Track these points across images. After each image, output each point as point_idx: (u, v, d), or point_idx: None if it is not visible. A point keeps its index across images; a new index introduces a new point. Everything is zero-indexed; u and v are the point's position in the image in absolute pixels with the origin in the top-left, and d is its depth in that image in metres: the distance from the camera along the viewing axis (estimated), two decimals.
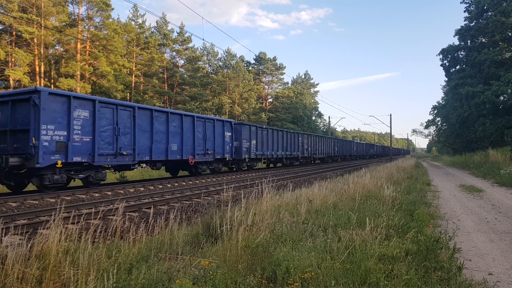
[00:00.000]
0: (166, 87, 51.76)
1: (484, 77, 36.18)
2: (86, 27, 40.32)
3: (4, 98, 12.19)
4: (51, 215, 5.41)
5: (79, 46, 38.05)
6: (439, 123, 60.24)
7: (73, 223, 6.53)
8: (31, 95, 11.37)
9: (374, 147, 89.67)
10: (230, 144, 22.24)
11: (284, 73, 76.33)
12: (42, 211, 8.77)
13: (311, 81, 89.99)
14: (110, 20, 41.35)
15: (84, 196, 11.77)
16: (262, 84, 73.74)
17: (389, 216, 6.53)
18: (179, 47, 55.08)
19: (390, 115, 54.08)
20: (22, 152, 11.42)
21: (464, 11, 41.98)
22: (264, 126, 28.51)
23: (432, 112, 57.37)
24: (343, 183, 12.32)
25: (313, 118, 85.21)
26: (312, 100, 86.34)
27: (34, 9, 34.94)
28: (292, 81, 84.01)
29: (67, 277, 3.63)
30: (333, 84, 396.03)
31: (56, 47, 40.24)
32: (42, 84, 35.26)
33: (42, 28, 34.03)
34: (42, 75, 36.42)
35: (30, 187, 13.07)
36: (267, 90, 75.91)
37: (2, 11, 32.97)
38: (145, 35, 50.90)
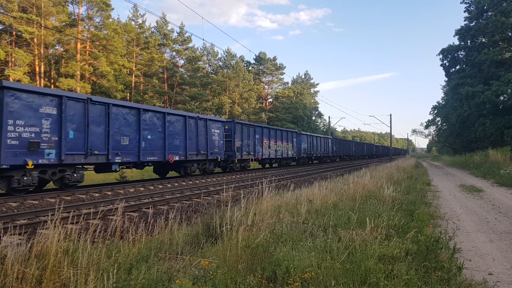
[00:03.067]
0: (166, 87, 51.75)
1: (484, 77, 36.18)
2: (86, 27, 40.32)
3: None
4: (51, 215, 5.40)
5: (79, 46, 38.05)
6: (439, 123, 60.23)
7: (72, 223, 6.52)
8: None
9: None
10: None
11: (284, 73, 76.44)
12: (42, 211, 8.77)
13: (311, 81, 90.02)
14: (110, 20, 41.37)
15: (84, 196, 11.77)
16: (262, 84, 73.73)
17: (389, 216, 6.52)
18: (179, 47, 55.08)
19: (390, 115, 54.20)
20: None
21: (464, 11, 42.02)
22: (146, 107, 16.28)
23: (432, 112, 57.43)
24: (343, 183, 12.30)
25: (313, 118, 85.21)
26: (312, 100, 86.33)
27: (34, 9, 34.94)
28: (292, 81, 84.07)
29: (66, 277, 3.62)
30: (333, 84, 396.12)
31: (56, 47, 40.28)
32: (42, 84, 35.27)
33: (42, 28, 34.03)
34: (42, 75, 36.42)
35: None
36: (267, 90, 75.91)
37: (2, 11, 32.97)
38: (145, 35, 50.90)
